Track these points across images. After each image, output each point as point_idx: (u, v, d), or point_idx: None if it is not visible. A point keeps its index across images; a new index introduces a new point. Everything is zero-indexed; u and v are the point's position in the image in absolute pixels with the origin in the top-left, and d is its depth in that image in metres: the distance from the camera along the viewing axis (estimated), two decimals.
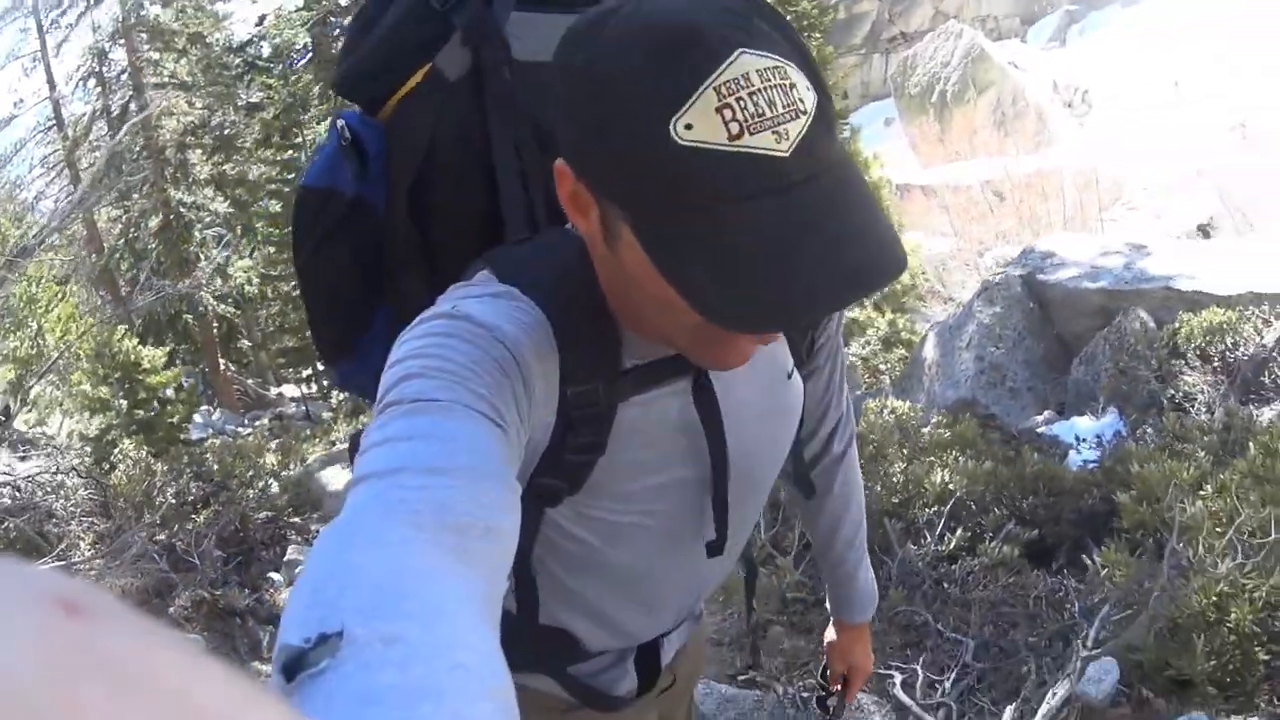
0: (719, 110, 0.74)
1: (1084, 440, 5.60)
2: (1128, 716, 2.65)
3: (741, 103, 0.74)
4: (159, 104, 16.93)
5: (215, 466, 5.77)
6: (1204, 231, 12.47)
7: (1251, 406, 5.12)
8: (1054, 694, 2.52)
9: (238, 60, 18.04)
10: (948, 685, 2.94)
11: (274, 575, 4.94)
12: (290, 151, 16.71)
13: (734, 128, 0.74)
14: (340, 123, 1.19)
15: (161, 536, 4.76)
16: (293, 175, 16.31)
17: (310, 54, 16.07)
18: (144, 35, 17.58)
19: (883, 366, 10.26)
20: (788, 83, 0.76)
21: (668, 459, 1.07)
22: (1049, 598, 3.33)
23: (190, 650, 0.25)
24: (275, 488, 6.15)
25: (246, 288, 17.51)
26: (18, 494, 4.95)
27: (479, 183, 1.15)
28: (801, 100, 0.77)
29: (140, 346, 7.57)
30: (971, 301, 8.17)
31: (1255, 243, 8.19)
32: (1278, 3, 19.13)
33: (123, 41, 17.67)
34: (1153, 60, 22.91)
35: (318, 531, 6.50)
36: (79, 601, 0.23)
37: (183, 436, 7.58)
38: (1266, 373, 5.40)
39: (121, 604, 0.25)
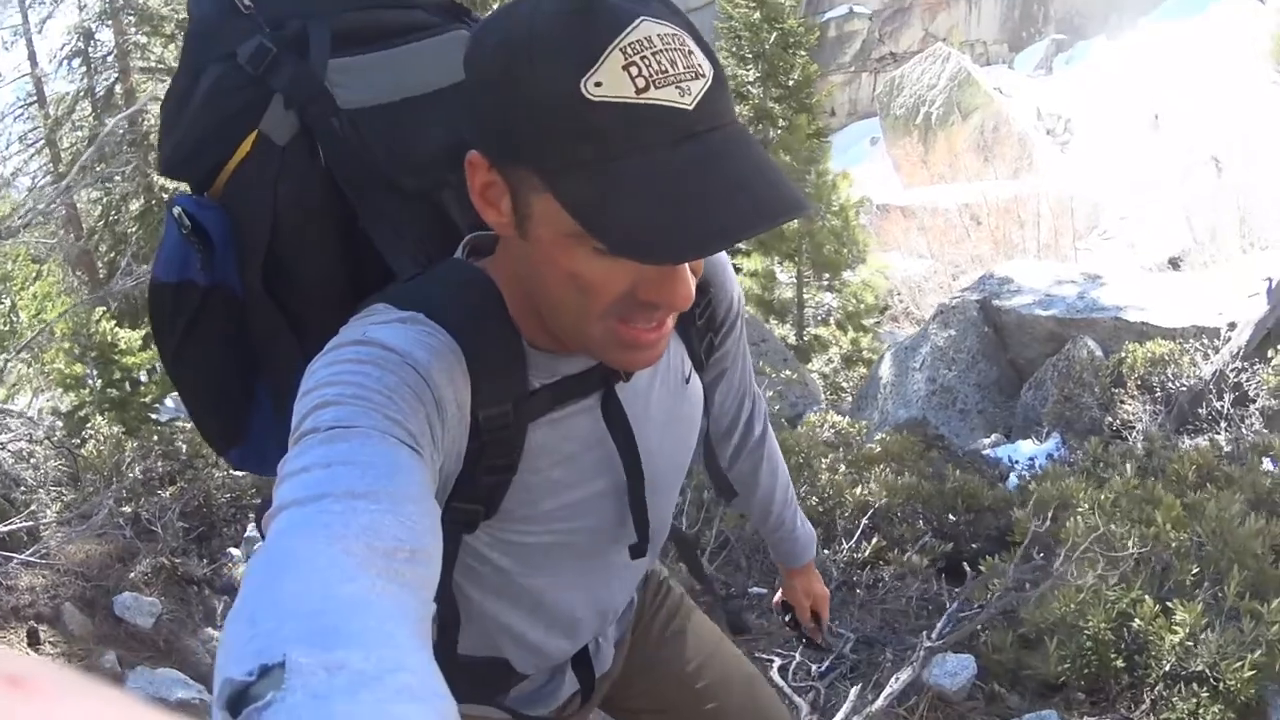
0: (625, 68, 0.80)
1: (1017, 463, 5.82)
2: (980, 709, 2.87)
3: (646, 61, 0.80)
4: (146, 90, 16.83)
5: (184, 446, 5.91)
6: (1174, 264, 12.62)
7: (1185, 436, 5.32)
8: (897, 679, 2.74)
9: None
10: (814, 671, 3.17)
11: (233, 550, 5.04)
12: None
13: (640, 83, 0.80)
14: (177, 210, 1.11)
15: (128, 508, 4.89)
16: None
17: None
18: (132, 18, 17.40)
19: (845, 384, 10.40)
20: (686, 48, 0.83)
21: (581, 475, 1.09)
22: (933, 600, 3.56)
23: (129, 706, 0.27)
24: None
25: None
26: None
27: (331, 245, 1.12)
28: (700, 65, 0.83)
29: (118, 329, 7.68)
30: (928, 324, 8.27)
31: (1205, 278, 8.37)
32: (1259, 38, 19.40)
33: (110, 22, 17.46)
34: (1134, 92, 23.10)
35: None
36: (22, 675, 0.24)
37: (153, 417, 7.69)
38: (1204, 404, 5.54)
39: (66, 673, 0.26)
